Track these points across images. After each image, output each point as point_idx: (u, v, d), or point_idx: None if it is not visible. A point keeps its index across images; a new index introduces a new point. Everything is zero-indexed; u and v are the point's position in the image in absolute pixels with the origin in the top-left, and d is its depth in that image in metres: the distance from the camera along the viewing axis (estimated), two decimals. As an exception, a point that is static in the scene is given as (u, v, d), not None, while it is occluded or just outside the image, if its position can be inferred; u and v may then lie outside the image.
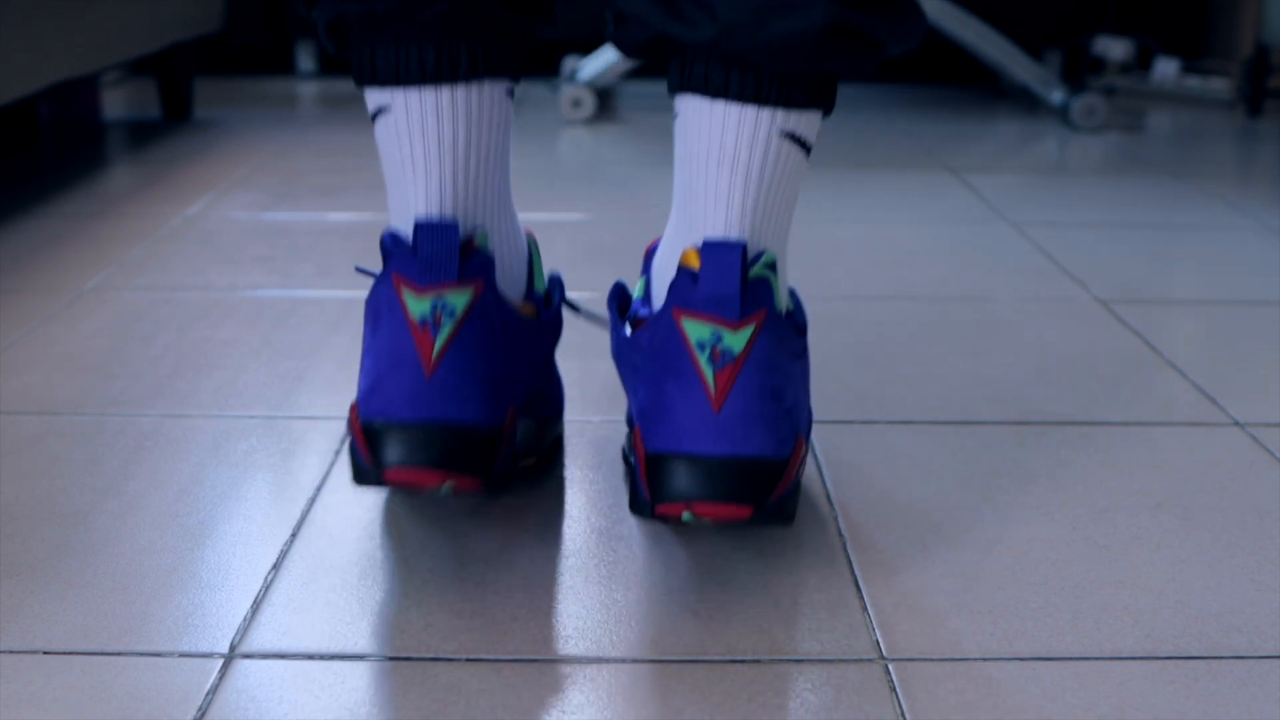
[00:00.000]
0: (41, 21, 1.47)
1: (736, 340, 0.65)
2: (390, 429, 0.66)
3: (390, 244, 0.69)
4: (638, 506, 0.66)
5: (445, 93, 0.70)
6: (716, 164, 0.68)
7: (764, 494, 0.64)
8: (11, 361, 1.04)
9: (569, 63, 2.52)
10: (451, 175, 0.71)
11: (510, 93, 0.74)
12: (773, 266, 0.68)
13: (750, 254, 0.68)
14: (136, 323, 1.14)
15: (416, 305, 0.67)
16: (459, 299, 0.67)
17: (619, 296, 0.75)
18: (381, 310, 0.68)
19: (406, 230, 0.73)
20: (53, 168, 1.80)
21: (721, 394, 0.65)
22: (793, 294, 0.76)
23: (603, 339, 1.10)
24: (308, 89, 2.60)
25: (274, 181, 1.72)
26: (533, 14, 0.74)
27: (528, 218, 1.54)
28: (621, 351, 0.71)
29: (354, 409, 0.68)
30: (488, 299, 0.69)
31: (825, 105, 0.68)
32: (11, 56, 1.40)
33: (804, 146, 0.69)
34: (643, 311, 0.71)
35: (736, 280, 0.65)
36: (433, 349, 0.66)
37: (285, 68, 2.84)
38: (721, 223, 0.69)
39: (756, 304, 0.66)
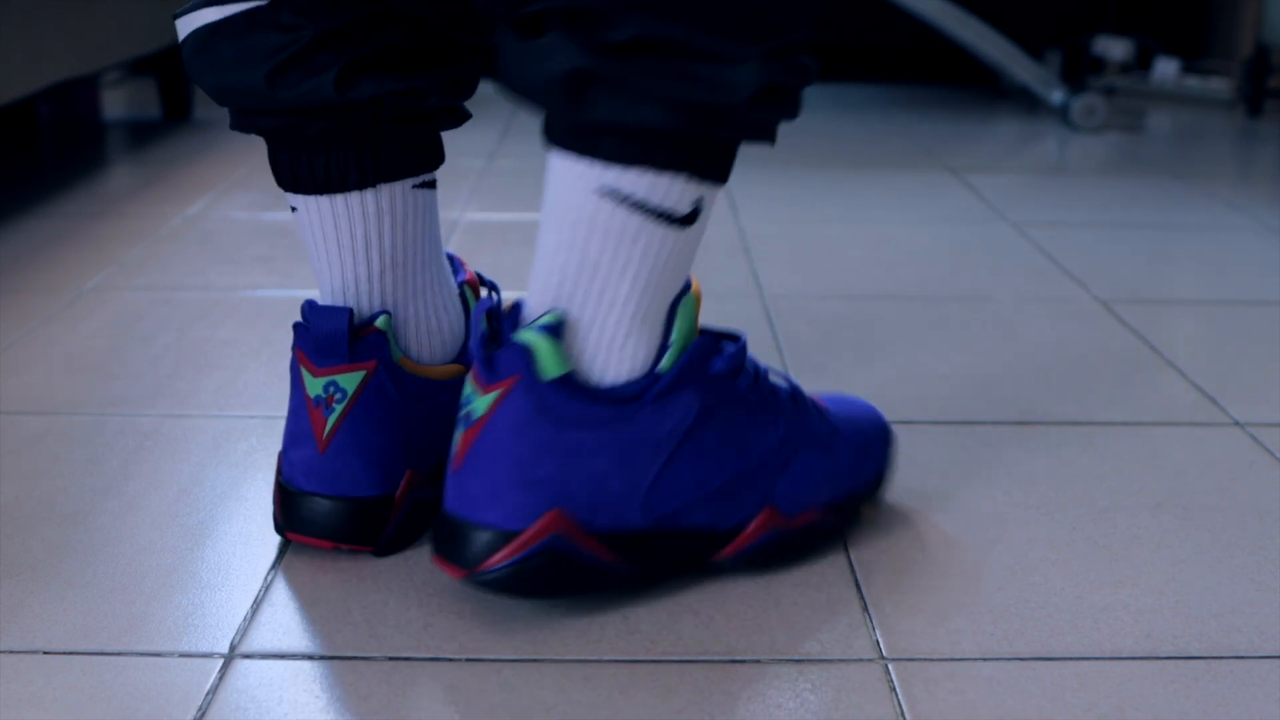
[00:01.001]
0: (41, 21, 1.47)
1: (481, 404, 0.64)
2: (293, 496, 0.72)
3: (306, 312, 0.72)
4: None
5: (339, 201, 0.72)
6: (545, 219, 0.66)
7: (476, 557, 0.64)
8: (11, 361, 1.04)
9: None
10: (353, 273, 0.74)
11: (428, 184, 0.75)
12: (554, 329, 0.64)
13: (537, 313, 0.66)
14: (136, 323, 1.14)
15: (312, 385, 0.72)
16: (350, 381, 0.71)
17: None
18: (292, 377, 0.73)
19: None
20: (53, 168, 1.80)
21: (460, 455, 0.65)
22: (693, 353, 0.68)
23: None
24: (308, 89, 2.59)
25: (274, 182, 1.72)
26: (431, 122, 0.74)
27: (529, 218, 1.54)
28: None
29: (280, 458, 0.74)
30: (381, 377, 0.72)
31: (662, 164, 0.62)
32: (11, 56, 1.40)
33: (646, 210, 0.63)
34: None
35: (479, 340, 0.63)
36: (325, 428, 0.71)
37: (285, 68, 2.83)
38: (535, 286, 0.66)
39: (508, 370, 0.63)
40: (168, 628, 0.66)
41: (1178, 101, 2.56)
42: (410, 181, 0.74)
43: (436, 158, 0.75)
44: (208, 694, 0.61)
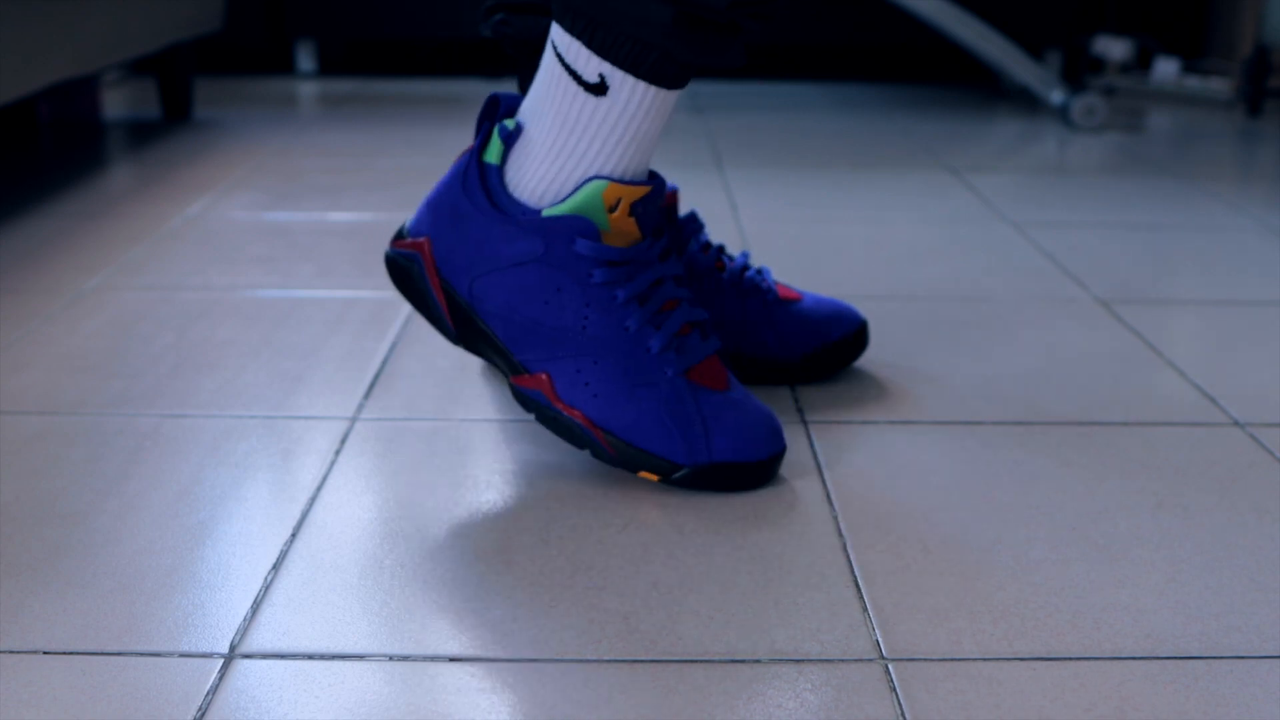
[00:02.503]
0: (41, 21, 1.47)
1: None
2: None
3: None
4: None
5: None
6: None
7: (393, 237, 0.87)
8: (11, 361, 1.04)
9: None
10: None
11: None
12: (512, 131, 0.82)
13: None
14: (136, 323, 1.14)
15: None
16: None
17: None
18: None
19: None
20: (53, 168, 1.80)
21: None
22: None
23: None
24: (308, 89, 2.60)
25: (274, 181, 1.72)
26: None
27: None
28: None
29: None
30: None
31: (568, 27, 0.76)
32: (11, 56, 1.40)
33: (564, 64, 0.77)
34: None
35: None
36: None
37: (285, 68, 2.84)
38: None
39: (475, 143, 0.84)
40: (168, 628, 0.66)
41: (1178, 101, 2.56)
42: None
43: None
44: (208, 694, 0.61)
